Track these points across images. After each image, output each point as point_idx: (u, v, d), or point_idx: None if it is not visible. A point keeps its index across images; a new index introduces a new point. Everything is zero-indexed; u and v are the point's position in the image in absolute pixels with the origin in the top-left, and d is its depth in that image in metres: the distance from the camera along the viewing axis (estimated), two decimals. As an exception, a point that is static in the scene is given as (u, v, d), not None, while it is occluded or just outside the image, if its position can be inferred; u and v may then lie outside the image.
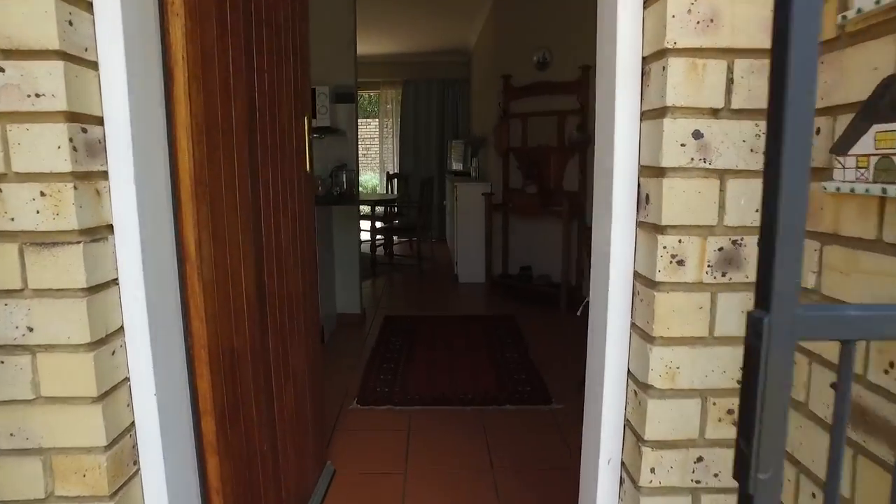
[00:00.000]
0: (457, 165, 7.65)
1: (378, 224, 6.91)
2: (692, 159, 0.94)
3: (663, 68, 0.92)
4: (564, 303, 4.74)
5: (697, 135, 0.93)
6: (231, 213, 1.40)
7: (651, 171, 0.99)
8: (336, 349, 3.86)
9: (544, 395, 3.07)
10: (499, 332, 4.18)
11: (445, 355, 3.68)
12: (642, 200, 1.03)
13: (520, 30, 4.98)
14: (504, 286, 5.25)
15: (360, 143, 10.85)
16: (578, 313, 3.17)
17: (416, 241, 6.06)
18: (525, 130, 5.05)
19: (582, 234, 4.84)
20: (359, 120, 10.32)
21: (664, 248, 0.96)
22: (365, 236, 6.56)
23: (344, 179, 3.88)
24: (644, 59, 1.00)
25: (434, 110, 8.41)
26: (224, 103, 1.36)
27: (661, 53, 0.93)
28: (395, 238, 6.65)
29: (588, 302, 2.95)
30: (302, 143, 1.97)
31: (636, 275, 1.07)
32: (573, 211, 4.71)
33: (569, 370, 3.40)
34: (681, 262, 0.97)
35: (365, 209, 6.54)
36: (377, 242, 6.38)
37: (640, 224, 1.05)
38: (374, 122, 9.10)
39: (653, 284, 0.99)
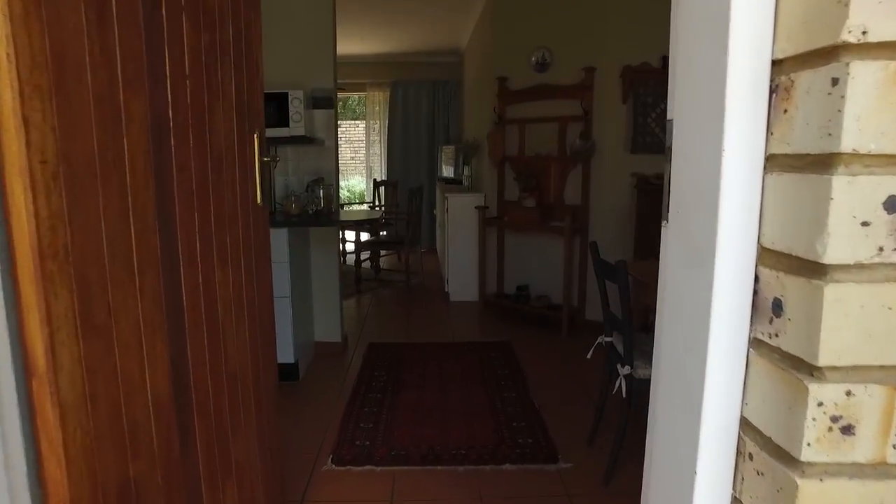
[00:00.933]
0: (448, 172, 7.22)
1: (364, 236, 6.48)
2: (880, 249, 0.51)
3: (833, 81, 0.50)
4: (566, 328, 4.32)
5: (893, 205, 0.51)
6: (123, 289, 0.96)
7: (790, 264, 0.57)
8: (312, 387, 3.42)
9: (550, 450, 2.65)
10: (494, 363, 3.76)
11: (435, 395, 3.25)
12: (764, 307, 0.61)
13: (516, 28, 4.56)
14: (499, 307, 4.83)
15: (348, 145, 10.47)
16: (589, 356, 2.76)
17: (404, 255, 5.62)
18: (522, 138, 4.63)
19: (584, 252, 4.43)
20: (346, 121, 9.89)
21: (818, 404, 0.54)
22: (350, 247, 6.14)
23: (321, 195, 3.44)
24: (776, 64, 0.58)
25: (424, 113, 7.98)
26: (107, 127, 0.92)
27: (828, 54, 0.51)
28: (381, 252, 6.22)
29: (600, 343, 2.52)
30: (249, 168, 1.54)
31: (745, 424, 0.64)
32: (575, 227, 4.30)
33: (575, 416, 2.98)
34: (848, 430, 0.54)
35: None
36: (362, 257, 5.94)
37: (756, 344, 0.63)
38: (363, 124, 8.67)
39: (793, 463, 0.56)
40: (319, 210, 3.39)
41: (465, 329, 4.55)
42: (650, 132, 4.12)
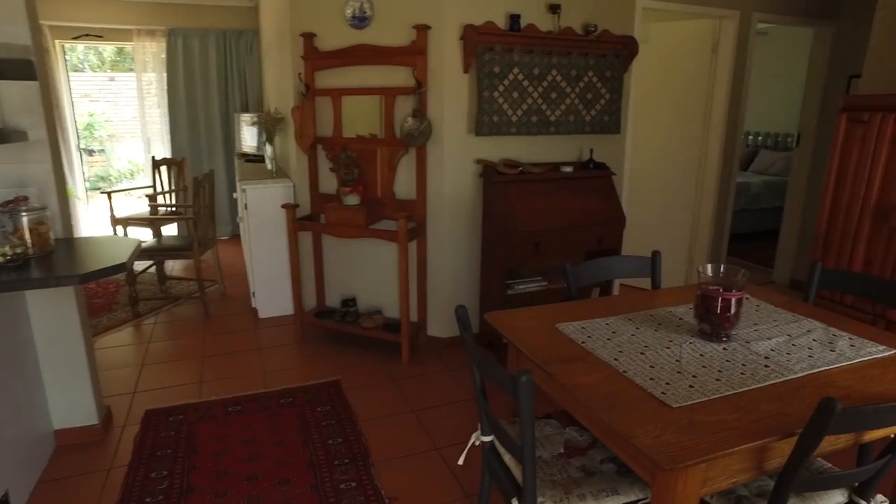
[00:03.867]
0: (249, 145, 5.92)
1: (142, 233, 5.02)
2: None
3: None
4: (407, 353, 3.53)
5: None
6: None
7: None
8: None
9: None
10: (323, 424, 2.84)
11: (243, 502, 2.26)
12: None
13: (322, -32, 3.47)
14: (321, 327, 3.86)
15: (127, 102, 8.28)
16: (461, 462, 1.98)
17: (195, 263, 4.34)
18: (338, 114, 3.61)
19: (423, 258, 3.63)
20: (122, 73, 7.82)
21: None
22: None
23: (24, 225, 2.14)
24: None
25: (213, 71, 6.45)
26: None
27: None
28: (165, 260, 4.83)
29: (475, 444, 1.74)
30: None
31: None
32: (410, 230, 3.47)
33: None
34: None
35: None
36: (140, 268, 4.53)
37: None
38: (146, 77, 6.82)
39: None
40: (21, 255, 2.09)
41: (281, 364, 3.53)
42: (498, 109, 3.37)
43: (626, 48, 3.59)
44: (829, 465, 1.74)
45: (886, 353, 1.74)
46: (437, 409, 3.01)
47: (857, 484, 1.57)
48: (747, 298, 2.15)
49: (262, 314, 4.24)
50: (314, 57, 3.58)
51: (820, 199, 3.28)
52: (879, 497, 1.62)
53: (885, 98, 2.87)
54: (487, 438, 1.76)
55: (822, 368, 1.62)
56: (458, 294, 3.69)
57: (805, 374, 1.58)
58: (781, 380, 1.54)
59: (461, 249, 3.62)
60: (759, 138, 7.95)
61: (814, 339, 1.81)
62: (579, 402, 1.44)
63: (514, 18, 3.26)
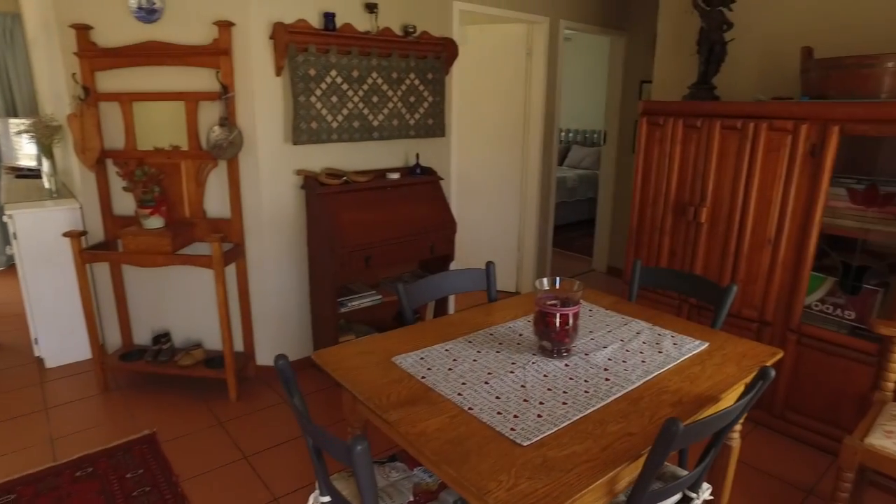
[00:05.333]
0: (27, 155, 4.95)
1: None
2: None
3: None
4: (235, 389, 3.15)
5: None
6: None
7: None
8: None
9: None
10: (135, 494, 2.39)
11: None
12: None
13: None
14: (128, 371, 3.32)
15: None
16: None
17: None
18: (130, 123, 3.09)
19: (244, 282, 3.27)
20: None
21: None
22: None
23: None
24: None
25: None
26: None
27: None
28: None
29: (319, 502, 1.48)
30: None
31: None
32: (227, 253, 3.09)
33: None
34: None
35: None
36: None
37: None
38: None
39: None
40: None
41: (77, 425, 2.94)
42: (316, 115, 3.12)
43: (446, 50, 3.55)
44: (666, 462, 1.80)
45: (701, 348, 1.84)
46: (274, 451, 2.71)
47: (693, 484, 1.62)
48: (581, 303, 2.18)
49: (51, 363, 3.53)
50: (92, 54, 3.01)
51: (626, 191, 3.50)
52: (705, 485, 1.71)
53: (673, 104, 3.14)
54: (326, 499, 1.54)
55: (655, 374, 1.65)
56: (288, 316, 3.38)
57: (642, 381, 1.60)
58: (622, 392, 1.54)
59: (287, 268, 3.32)
60: (571, 135, 8.57)
61: (643, 342, 1.86)
62: (425, 455, 1.29)
63: (329, 17, 3.02)
